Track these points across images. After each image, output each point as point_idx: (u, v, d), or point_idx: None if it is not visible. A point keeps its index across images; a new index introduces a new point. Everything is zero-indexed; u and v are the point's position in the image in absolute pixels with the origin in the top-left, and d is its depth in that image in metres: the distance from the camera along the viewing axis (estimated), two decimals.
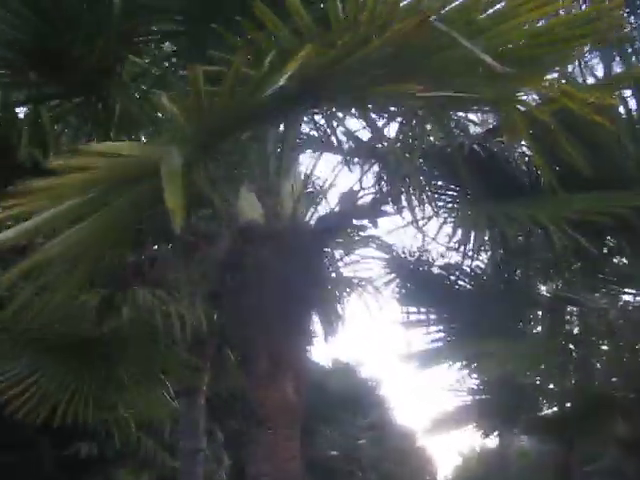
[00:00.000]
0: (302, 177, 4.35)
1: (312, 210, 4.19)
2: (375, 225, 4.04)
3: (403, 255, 5.97)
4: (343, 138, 4.95)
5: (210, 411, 10.03)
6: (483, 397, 7.83)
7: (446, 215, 4.63)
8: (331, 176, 4.42)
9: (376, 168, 4.65)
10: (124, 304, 5.01)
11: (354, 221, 4.01)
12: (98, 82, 3.77)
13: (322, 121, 4.85)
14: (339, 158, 5.13)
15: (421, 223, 4.81)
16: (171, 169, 1.90)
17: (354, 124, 5.01)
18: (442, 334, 5.96)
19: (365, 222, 4.07)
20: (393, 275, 6.10)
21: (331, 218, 3.93)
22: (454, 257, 5.66)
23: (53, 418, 5.76)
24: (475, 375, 7.17)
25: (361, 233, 5.32)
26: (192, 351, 6.68)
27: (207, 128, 2.41)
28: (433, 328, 6.05)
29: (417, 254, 5.90)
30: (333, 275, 6.39)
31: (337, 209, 3.90)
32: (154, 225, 3.73)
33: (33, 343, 5.48)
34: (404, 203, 4.35)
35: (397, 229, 4.97)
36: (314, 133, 5.07)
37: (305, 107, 2.54)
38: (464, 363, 6.14)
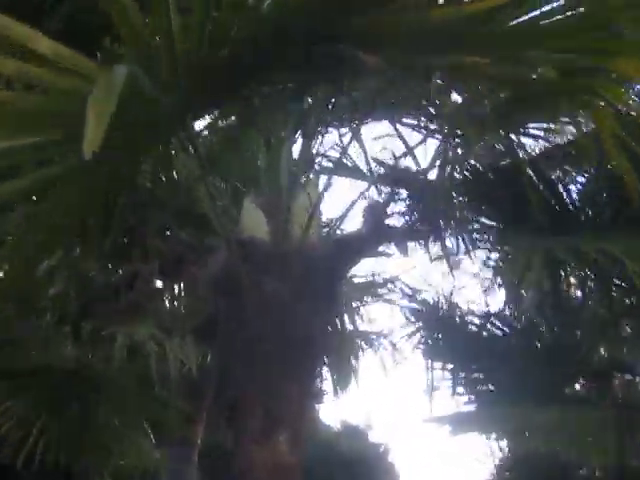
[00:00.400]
0: (318, 195, 3.60)
1: (328, 232, 3.48)
2: (405, 252, 3.28)
3: (431, 302, 5.17)
4: (368, 161, 4.26)
5: (206, 467, 9.19)
6: (512, 474, 6.88)
7: (487, 250, 3.87)
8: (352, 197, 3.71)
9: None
10: (97, 335, 4.24)
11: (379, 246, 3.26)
12: None
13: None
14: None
15: (454, 259, 4.09)
16: (110, 80, 1.21)
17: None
18: (472, 396, 5.12)
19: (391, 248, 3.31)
20: (418, 325, 5.30)
21: (351, 240, 3.19)
22: (491, 304, 4.87)
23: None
24: (506, 446, 6.28)
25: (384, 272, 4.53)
26: (186, 398, 5.93)
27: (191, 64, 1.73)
28: (461, 389, 5.22)
29: (448, 300, 5.08)
30: (348, 325, 5.69)
31: (360, 228, 3.17)
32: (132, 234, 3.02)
33: None
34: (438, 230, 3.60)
35: (425, 265, 4.24)
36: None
37: (320, 49, 1.83)
38: (496, 433, 5.27)
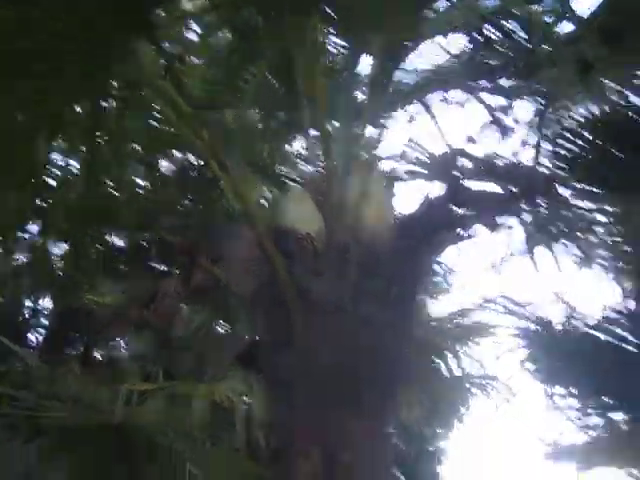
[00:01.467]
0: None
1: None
2: (494, 227, 2.40)
3: (542, 319, 4.22)
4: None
5: None
6: None
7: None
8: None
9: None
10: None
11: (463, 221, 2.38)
12: None
13: None
14: None
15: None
16: None
17: None
18: (601, 421, 4.09)
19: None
20: (529, 349, 4.34)
21: (424, 216, 2.34)
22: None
23: None
24: None
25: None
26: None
27: None
28: (585, 419, 4.21)
29: (566, 314, 4.12)
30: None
31: (433, 198, 2.33)
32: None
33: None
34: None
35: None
36: None
37: None
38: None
